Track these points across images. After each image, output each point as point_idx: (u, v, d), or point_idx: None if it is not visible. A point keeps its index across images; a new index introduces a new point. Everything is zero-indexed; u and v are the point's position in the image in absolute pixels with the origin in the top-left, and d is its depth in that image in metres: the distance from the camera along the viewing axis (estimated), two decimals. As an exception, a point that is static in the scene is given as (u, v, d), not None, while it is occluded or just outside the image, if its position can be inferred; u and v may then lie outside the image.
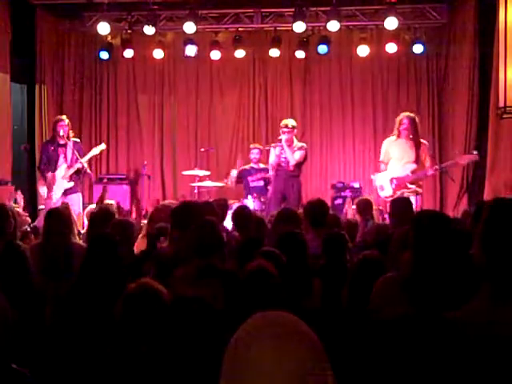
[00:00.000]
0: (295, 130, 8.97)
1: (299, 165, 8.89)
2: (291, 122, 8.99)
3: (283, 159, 8.83)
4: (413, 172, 8.03)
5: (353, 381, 1.89)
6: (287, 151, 8.76)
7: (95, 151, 8.94)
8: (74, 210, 7.82)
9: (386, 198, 8.03)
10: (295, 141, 8.92)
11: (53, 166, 8.62)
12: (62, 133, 8.54)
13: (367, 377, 1.83)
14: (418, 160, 8.00)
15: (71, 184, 8.59)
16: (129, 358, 2.53)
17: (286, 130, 8.81)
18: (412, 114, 8.33)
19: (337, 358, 1.39)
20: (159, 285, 2.75)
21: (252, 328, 1.20)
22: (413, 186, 8.00)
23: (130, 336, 2.61)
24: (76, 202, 8.49)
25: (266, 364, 1.14)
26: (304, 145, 8.98)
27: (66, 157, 8.61)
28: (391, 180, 8.11)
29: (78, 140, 9.03)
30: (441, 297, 2.48)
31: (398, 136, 8.11)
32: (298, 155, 8.80)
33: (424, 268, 2.61)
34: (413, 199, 7.67)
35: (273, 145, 9.13)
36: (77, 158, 8.48)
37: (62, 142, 8.60)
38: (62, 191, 8.56)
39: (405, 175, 8.01)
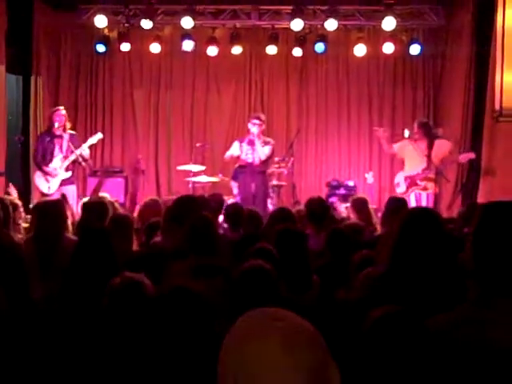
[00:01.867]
0: (264, 125, 8.85)
1: (267, 160, 8.84)
2: (262, 115, 8.98)
3: (250, 155, 8.73)
4: (423, 170, 8.61)
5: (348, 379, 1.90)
6: (258, 146, 8.64)
7: (92, 140, 8.88)
8: (69, 202, 7.83)
9: (401, 194, 8.67)
10: (262, 136, 8.79)
11: (48, 157, 8.58)
12: (57, 123, 8.52)
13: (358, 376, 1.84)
14: (429, 159, 8.56)
15: (69, 174, 8.58)
16: (117, 353, 2.52)
17: (258, 122, 8.67)
18: (423, 120, 9.09)
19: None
20: (144, 278, 2.74)
21: (253, 325, 1.20)
22: (422, 183, 8.62)
23: (116, 330, 2.60)
24: (71, 194, 8.47)
25: (269, 360, 1.14)
26: (271, 140, 8.88)
27: (61, 147, 8.58)
28: (405, 178, 8.79)
29: (74, 132, 8.99)
30: (415, 295, 2.47)
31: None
32: (267, 150, 8.70)
33: (401, 264, 2.59)
34: (424, 196, 8.60)
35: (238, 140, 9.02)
36: (72, 150, 8.47)
37: (57, 132, 8.56)
38: (59, 182, 8.54)
39: (415, 173, 8.65)
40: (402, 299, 2.43)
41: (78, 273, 3.32)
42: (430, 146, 8.57)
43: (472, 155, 8.90)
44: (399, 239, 2.68)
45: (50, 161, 8.58)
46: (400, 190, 8.85)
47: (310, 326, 1.22)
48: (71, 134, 8.71)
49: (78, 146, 8.56)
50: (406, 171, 8.82)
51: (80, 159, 8.52)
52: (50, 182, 8.56)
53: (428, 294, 2.47)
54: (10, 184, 8.47)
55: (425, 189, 8.64)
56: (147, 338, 2.52)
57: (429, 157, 8.52)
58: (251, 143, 8.71)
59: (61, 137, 8.57)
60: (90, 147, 9.00)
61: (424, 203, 8.53)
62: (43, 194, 8.45)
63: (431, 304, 2.32)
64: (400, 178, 8.93)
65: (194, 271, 3.51)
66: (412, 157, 8.72)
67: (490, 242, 1.92)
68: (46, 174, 8.59)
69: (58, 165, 8.55)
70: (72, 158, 8.50)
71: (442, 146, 8.65)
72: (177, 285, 2.47)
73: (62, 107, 8.91)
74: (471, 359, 1.79)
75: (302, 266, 3.48)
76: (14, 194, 8.02)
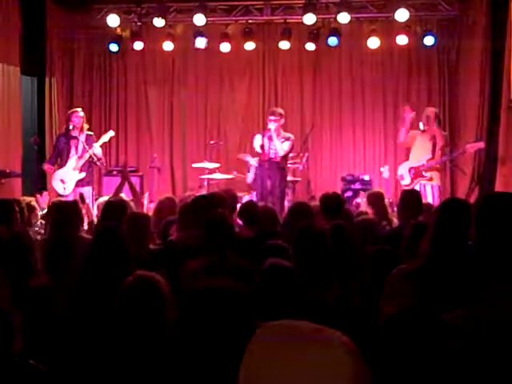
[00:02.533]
0: (282, 120, 8.73)
1: (286, 156, 8.80)
2: (278, 110, 8.86)
3: (271, 150, 8.66)
4: (428, 161, 8.50)
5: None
6: (276, 142, 8.55)
7: (104, 138, 8.97)
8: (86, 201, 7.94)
9: (405, 186, 8.57)
10: (282, 131, 8.74)
11: (64, 158, 8.72)
12: (74, 124, 8.61)
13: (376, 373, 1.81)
14: (434, 150, 8.47)
15: (83, 175, 8.66)
16: (131, 353, 2.52)
17: (273, 118, 8.59)
18: (431, 109, 8.79)
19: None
20: (158, 276, 2.74)
21: (269, 341, 1.14)
22: (428, 174, 8.49)
23: (129, 329, 2.60)
24: (86, 195, 8.54)
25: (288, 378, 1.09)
26: (291, 136, 8.77)
27: (76, 148, 8.69)
28: (409, 169, 8.65)
29: (92, 133, 9.06)
30: (452, 290, 2.44)
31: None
32: (286, 146, 8.60)
33: (441, 258, 2.55)
34: (429, 190, 8.39)
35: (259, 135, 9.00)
36: (86, 149, 8.54)
37: (74, 134, 8.66)
38: (74, 183, 8.65)
39: (420, 164, 8.52)
40: (440, 293, 2.39)
41: (92, 271, 3.33)
42: (435, 137, 8.46)
43: (481, 145, 8.77)
44: (434, 233, 2.64)
45: (66, 162, 8.70)
46: (404, 182, 8.70)
47: (333, 337, 1.14)
48: (88, 135, 8.80)
49: (92, 147, 8.64)
50: (411, 162, 8.68)
51: (95, 159, 8.57)
52: (65, 183, 8.67)
53: (466, 288, 2.43)
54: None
55: (430, 179, 8.49)
56: (164, 337, 2.51)
57: (434, 147, 8.42)
58: (270, 139, 8.69)
59: (76, 138, 8.66)
60: (104, 146, 9.08)
61: (429, 196, 8.38)
62: (59, 195, 8.52)
63: (467, 299, 2.30)
64: (404, 169, 8.76)
65: (209, 268, 3.51)
66: (419, 147, 8.59)
67: (491, 234, 1.90)
68: (59, 175, 8.71)
69: (73, 165, 8.65)
70: (86, 157, 8.57)
71: (442, 138, 8.54)
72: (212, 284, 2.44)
73: (79, 109, 9.00)
74: (478, 356, 1.77)
75: (323, 264, 3.46)
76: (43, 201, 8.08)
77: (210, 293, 2.30)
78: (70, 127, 8.65)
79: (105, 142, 9.11)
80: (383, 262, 3.13)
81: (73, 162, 8.68)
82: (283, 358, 1.09)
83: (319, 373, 1.08)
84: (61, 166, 8.76)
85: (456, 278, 2.48)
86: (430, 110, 8.64)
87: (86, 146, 8.56)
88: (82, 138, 8.65)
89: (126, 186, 8.52)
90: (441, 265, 2.54)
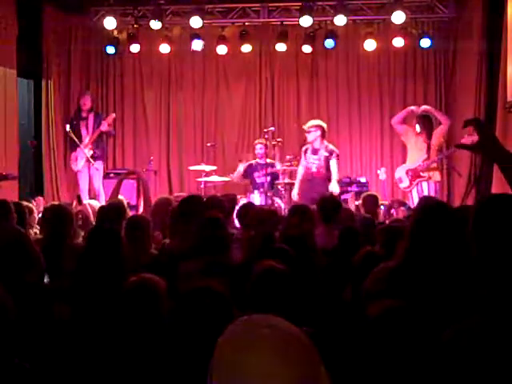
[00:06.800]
0: (319, 131, 8.86)
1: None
2: (312, 122, 9.06)
3: (312, 164, 8.78)
4: (424, 161, 8.57)
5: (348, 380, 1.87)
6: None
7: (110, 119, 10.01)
8: (95, 182, 9.66)
9: (405, 189, 8.81)
10: (325, 142, 8.91)
11: (78, 137, 9.68)
12: (84, 106, 9.90)
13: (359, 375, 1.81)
14: (429, 150, 8.55)
15: (91, 152, 9.72)
16: (129, 353, 2.52)
17: (311, 129, 8.90)
18: (423, 113, 8.77)
19: (337, 357, 1.37)
20: (158, 278, 2.73)
21: (241, 333, 1.18)
22: (426, 174, 8.57)
23: (128, 330, 2.59)
24: (99, 172, 9.79)
25: (260, 369, 1.11)
26: (335, 150, 8.91)
27: (87, 128, 9.79)
28: (407, 172, 8.74)
29: (99, 112, 10.41)
30: (431, 289, 2.44)
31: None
32: (335, 166, 8.78)
33: (418, 257, 2.56)
34: (425, 186, 8.51)
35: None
36: (97, 125, 9.75)
37: (84, 115, 9.84)
38: (85, 159, 9.67)
39: (417, 165, 8.60)
40: (415, 293, 2.40)
41: (85, 274, 3.31)
42: (429, 137, 8.54)
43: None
44: (413, 233, 2.65)
45: (80, 141, 9.69)
46: (403, 184, 8.80)
47: (301, 334, 1.18)
48: (95, 114, 10.07)
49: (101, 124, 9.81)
50: (408, 164, 8.78)
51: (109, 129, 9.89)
52: (77, 160, 9.80)
53: (441, 289, 2.44)
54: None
55: (429, 179, 8.56)
56: (163, 339, 2.51)
57: (429, 147, 8.51)
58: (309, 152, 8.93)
59: (86, 118, 9.85)
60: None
61: (426, 192, 8.44)
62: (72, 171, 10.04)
63: (443, 299, 2.30)
64: (401, 172, 8.86)
65: (202, 271, 3.50)
66: (414, 149, 8.69)
67: (490, 237, 1.88)
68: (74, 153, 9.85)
69: (85, 143, 9.70)
70: (95, 135, 9.73)
71: (437, 135, 8.59)
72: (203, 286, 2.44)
73: (88, 91, 10.58)
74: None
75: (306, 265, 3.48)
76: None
77: (195, 294, 2.30)
78: (83, 107, 9.89)
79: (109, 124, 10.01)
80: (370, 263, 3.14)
81: (85, 141, 9.72)
82: (238, 354, 1.13)
83: (266, 375, 1.10)
84: (76, 145, 9.72)
85: (434, 278, 2.49)
86: (420, 110, 8.77)
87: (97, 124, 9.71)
88: (92, 117, 9.82)
89: (128, 187, 8.63)
90: (417, 266, 2.55)
